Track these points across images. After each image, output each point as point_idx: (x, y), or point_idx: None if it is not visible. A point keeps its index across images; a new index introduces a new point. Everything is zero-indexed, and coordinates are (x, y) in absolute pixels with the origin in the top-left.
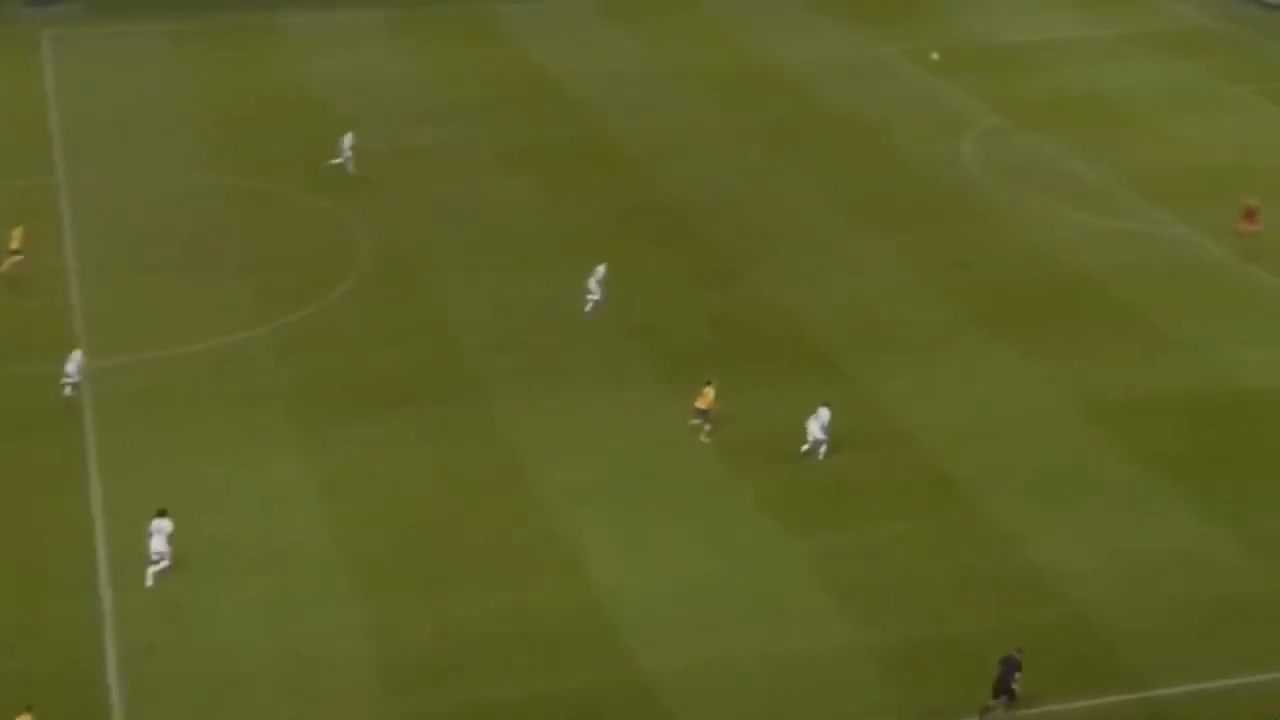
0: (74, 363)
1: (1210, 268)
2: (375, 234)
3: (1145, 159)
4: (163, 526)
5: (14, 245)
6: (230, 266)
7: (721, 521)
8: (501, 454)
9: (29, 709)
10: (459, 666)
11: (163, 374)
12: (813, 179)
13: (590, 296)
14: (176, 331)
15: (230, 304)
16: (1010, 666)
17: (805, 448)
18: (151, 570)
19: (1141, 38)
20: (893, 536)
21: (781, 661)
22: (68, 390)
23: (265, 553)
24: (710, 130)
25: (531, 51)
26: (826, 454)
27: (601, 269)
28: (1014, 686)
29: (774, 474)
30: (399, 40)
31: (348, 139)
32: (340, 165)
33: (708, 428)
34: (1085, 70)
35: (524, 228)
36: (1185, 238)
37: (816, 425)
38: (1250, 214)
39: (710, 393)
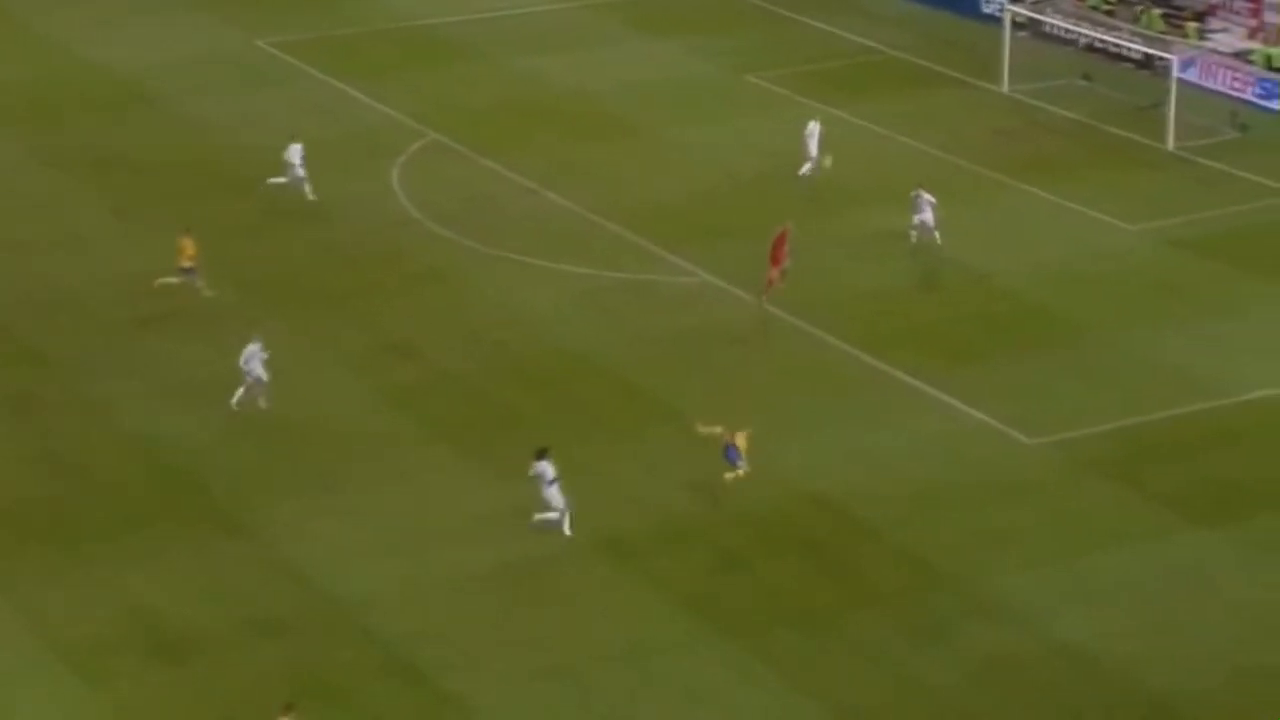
0: None
1: (752, 330)
2: None
3: (649, 182)
4: None
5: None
6: None
7: None
8: None
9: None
10: None
11: None
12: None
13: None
14: None
15: None
16: None
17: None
18: None
19: (625, 9)
20: None
21: None
22: None
23: None
24: (11, 176)
25: None
26: None
27: None
28: None
29: (145, 679)
30: None
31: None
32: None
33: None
34: (553, 60)
35: None
36: (714, 289)
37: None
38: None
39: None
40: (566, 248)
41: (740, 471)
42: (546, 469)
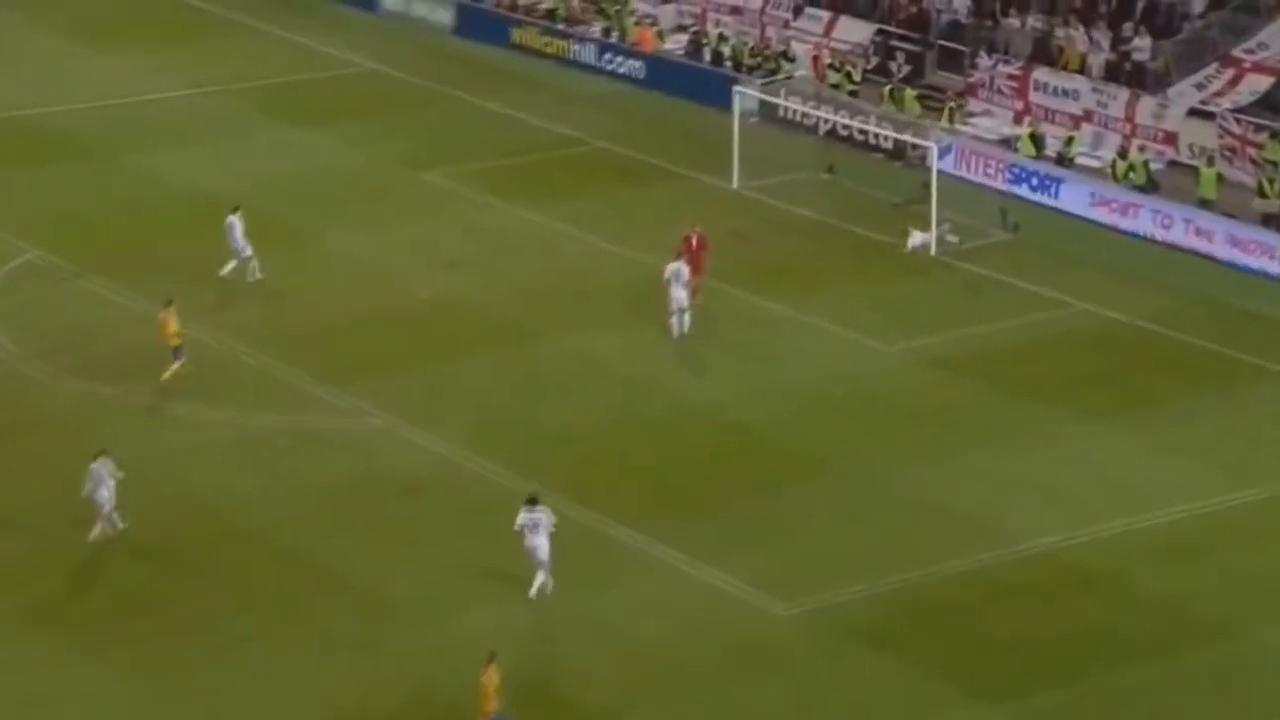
0: None
1: (429, 477)
2: None
3: (306, 304)
4: None
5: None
6: None
7: None
8: None
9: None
10: None
11: None
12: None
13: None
14: None
15: None
16: None
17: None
18: None
19: (263, 95)
20: None
21: None
22: None
23: None
24: None
25: None
26: None
27: None
28: None
29: None
30: None
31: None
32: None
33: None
34: (178, 156)
35: None
36: (381, 431)
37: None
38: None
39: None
40: (201, 388)
41: None
42: (545, 517)
